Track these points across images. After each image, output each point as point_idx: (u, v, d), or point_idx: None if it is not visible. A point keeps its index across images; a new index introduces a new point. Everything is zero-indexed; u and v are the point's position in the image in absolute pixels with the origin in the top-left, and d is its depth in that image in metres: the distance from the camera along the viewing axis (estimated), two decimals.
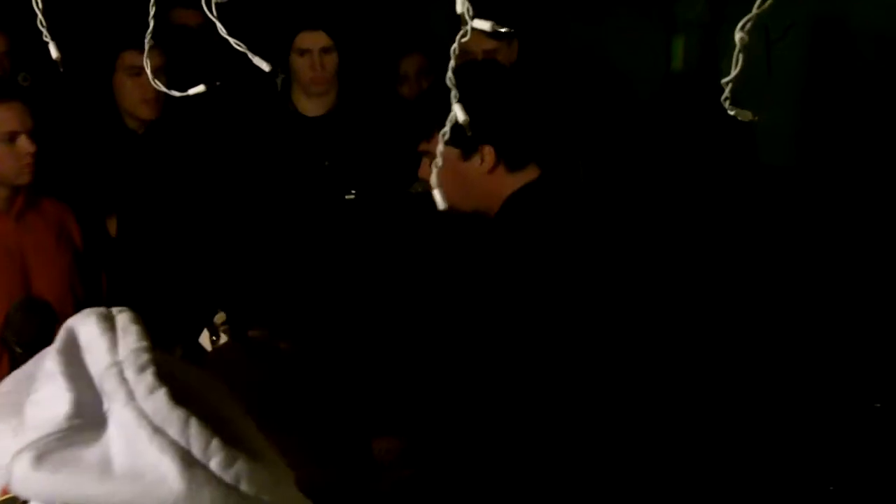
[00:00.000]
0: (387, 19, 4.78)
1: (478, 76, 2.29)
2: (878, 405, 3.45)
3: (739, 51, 1.17)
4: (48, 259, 3.03)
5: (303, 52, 3.52)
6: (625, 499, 2.20)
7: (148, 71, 1.63)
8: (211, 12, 1.37)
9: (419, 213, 2.77)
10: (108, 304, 0.97)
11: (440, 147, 1.40)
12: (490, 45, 3.35)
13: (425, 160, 2.32)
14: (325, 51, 3.53)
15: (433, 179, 1.29)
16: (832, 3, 4.33)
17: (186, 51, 3.57)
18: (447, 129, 1.40)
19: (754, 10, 1.16)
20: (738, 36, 1.16)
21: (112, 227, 3.46)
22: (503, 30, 1.26)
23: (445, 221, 2.54)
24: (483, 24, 1.27)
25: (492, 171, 2.24)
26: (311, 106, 3.62)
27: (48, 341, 0.94)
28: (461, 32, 1.29)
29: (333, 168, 3.50)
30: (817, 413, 3.61)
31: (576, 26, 4.79)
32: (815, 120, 4.37)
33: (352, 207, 3.50)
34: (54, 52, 1.42)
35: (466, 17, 1.29)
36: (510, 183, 2.26)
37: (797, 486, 3.33)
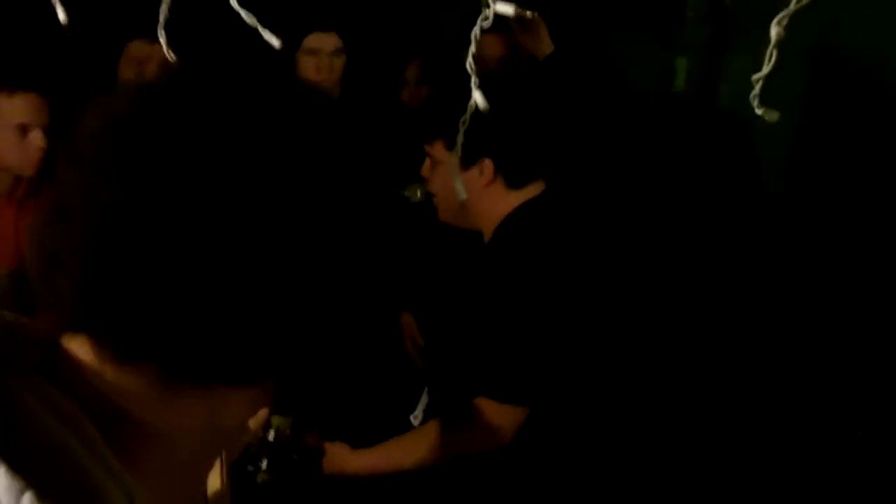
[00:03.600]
0: (396, 23, 4.74)
1: (486, 86, 2.25)
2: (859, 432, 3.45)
3: (774, 46, 1.14)
4: None
5: (312, 53, 3.45)
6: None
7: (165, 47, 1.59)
8: None
9: (414, 220, 2.74)
10: None
11: (460, 140, 1.36)
12: (503, 51, 3.30)
13: (428, 160, 2.28)
14: (335, 53, 3.46)
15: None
16: (831, 32, 4.33)
17: (192, 44, 3.52)
18: (467, 116, 1.37)
19: (792, 6, 1.12)
20: (773, 31, 1.13)
21: None
22: (528, 14, 1.23)
23: (440, 232, 2.52)
24: (506, 8, 1.23)
25: (489, 185, 2.19)
26: None
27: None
28: (482, 16, 1.26)
29: None
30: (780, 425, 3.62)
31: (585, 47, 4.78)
32: (810, 148, 4.36)
33: None
34: (62, 16, 1.37)
35: (490, 1, 1.25)
36: (509, 200, 2.21)
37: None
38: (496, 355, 2.10)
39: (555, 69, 2.84)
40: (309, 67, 3.42)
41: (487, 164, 2.17)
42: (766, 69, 1.15)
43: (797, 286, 4.09)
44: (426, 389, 2.45)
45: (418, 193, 2.56)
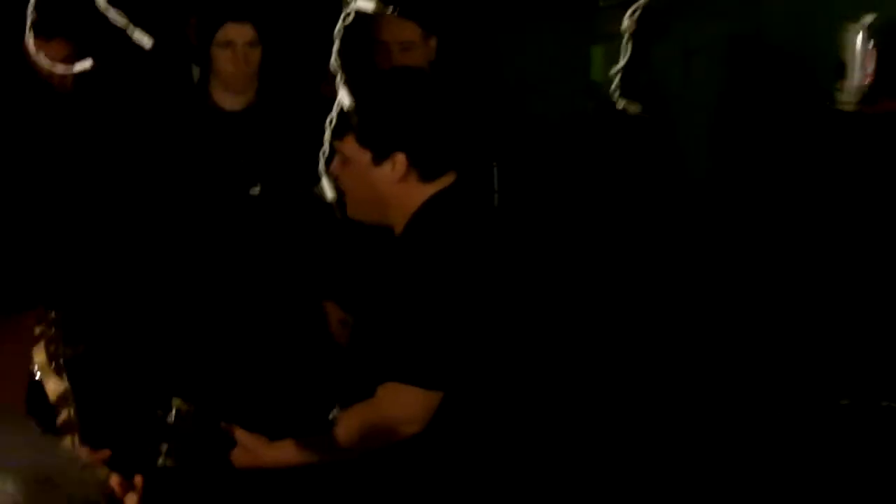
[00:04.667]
0: (312, 13, 4.70)
1: (396, 83, 2.24)
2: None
3: (627, 40, 1.15)
4: None
5: (226, 45, 3.38)
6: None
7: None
8: None
9: (324, 215, 2.73)
10: None
11: (328, 138, 1.37)
12: (406, 36, 3.29)
13: (338, 158, 2.27)
14: (250, 45, 3.40)
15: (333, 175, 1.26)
16: (748, 20, 4.38)
17: (96, 40, 3.47)
18: (333, 114, 1.37)
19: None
20: (625, 23, 1.15)
21: None
22: (389, 10, 1.23)
23: (350, 228, 2.52)
24: (367, 4, 1.24)
25: (402, 179, 2.18)
26: (228, 100, 3.46)
27: None
28: (343, 15, 1.26)
29: (246, 163, 3.42)
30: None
31: (498, 36, 4.79)
32: (728, 135, 4.42)
33: (256, 203, 3.43)
34: None
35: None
36: (422, 192, 2.21)
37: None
38: (405, 340, 2.10)
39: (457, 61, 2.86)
40: (224, 60, 3.33)
41: (400, 159, 2.17)
42: (622, 62, 1.16)
43: (712, 270, 4.15)
44: (344, 389, 2.46)
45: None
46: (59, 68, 1.43)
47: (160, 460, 2.07)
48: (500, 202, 3.24)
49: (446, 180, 2.22)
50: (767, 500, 3.18)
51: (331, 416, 2.40)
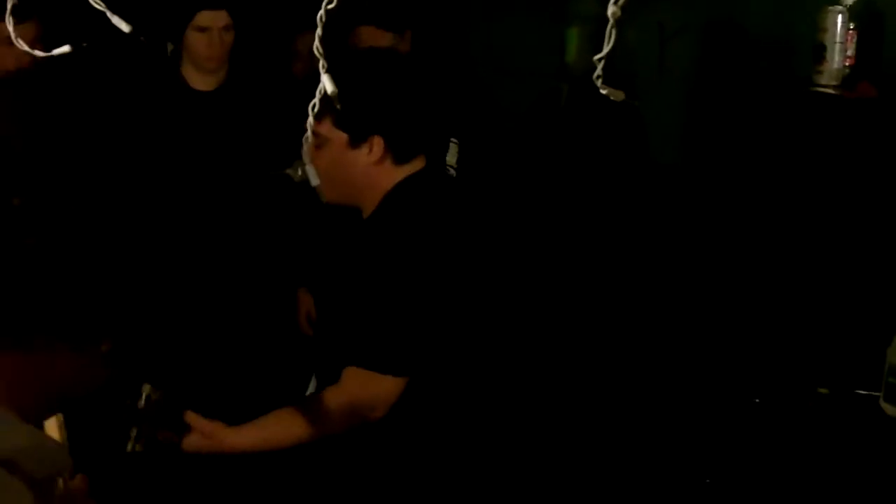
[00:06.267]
0: None
1: (374, 66, 2.24)
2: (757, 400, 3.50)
3: (612, 26, 1.13)
4: None
5: (202, 30, 3.44)
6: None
7: (12, 34, 1.55)
8: None
9: (295, 196, 2.71)
10: None
11: (312, 123, 1.35)
12: (383, 43, 3.32)
13: (312, 140, 2.26)
14: (225, 29, 3.46)
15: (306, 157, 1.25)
16: (725, 6, 4.39)
17: (65, 19, 3.44)
18: (316, 101, 1.36)
19: None
20: (610, 10, 1.13)
21: None
22: None
23: (323, 210, 2.51)
24: None
25: (379, 162, 2.20)
26: (200, 80, 3.54)
27: None
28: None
29: (217, 144, 3.42)
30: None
31: (472, 21, 4.79)
32: (703, 119, 4.42)
33: (231, 185, 3.43)
34: None
35: None
36: (394, 175, 2.23)
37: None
38: (370, 325, 2.11)
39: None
40: (199, 44, 3.46)
41: (377, 142, 2.18)
42: (606, 49, 1.14)
43: (686, 255, 4.15)
44: (314, 375, 2.45)
45: (299, 172, 2.55)
46: (38, 52, 1.41)
47: (129, 445, 2.07)
48: (459, 178, 3.23)
49: (417, 164, 2.25)
50: (752, 489, 3.19)
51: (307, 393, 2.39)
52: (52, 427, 1.35)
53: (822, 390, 3.15)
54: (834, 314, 3.53)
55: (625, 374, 3.83)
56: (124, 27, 1.40)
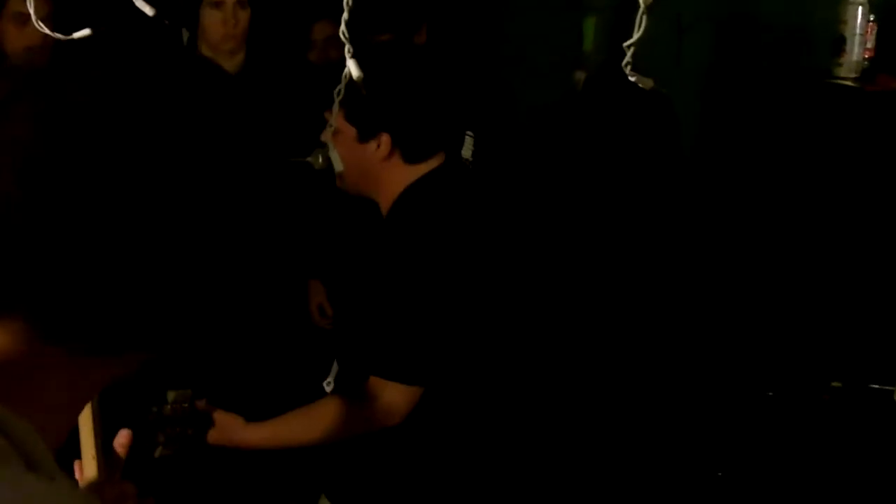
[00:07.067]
0: None
1: (386, 61, 2.18)
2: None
3: (643, 12, 1.12)
4: None
5: (216, 5, 3.39)
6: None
7: (33, 15, 1.55)
8: None
9: (320, 185, 2.69)
10: None
11: (336, 109, 1.34)
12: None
13: (329, 126, 2.24)
14: (239, 5, 3.40)
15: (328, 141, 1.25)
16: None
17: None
18: (342, 86, 1.34)
19: None
20: None
21: None
22: None
23: (340, 203, 2.48)
24: None
25: (387, 159, 2.14)
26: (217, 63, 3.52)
27: None
28: None
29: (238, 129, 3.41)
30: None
31: (487, 11, 4.77)
32: (719, 111, 4.40)
33: (252, 171, 3.42)
34: None
35: None
36: (407, 174, 2.16)
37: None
38: (386, 333, 2.08)
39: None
40: (213, 20, 3.37)
41: (385, 139, 2.12)
42: (636, 35, 1.13)
43: (705, 248, 4.14)
44: (336, 360, 2.43)
45: (320, 159, 2.53)
46: (58, 35, 1.40)
47: (157, 451, 2.06)
48: (476, 173, 3.20)
49: (433, 163, 2.18)
50: (765, 482, 3.18)
51: (325, 385, 2.38)
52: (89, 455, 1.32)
53: (836, 384, 3.14)
54: (848, 308, 3.51)
55: (639, 369, 3.81)
56: (148, 10, 1.39)
